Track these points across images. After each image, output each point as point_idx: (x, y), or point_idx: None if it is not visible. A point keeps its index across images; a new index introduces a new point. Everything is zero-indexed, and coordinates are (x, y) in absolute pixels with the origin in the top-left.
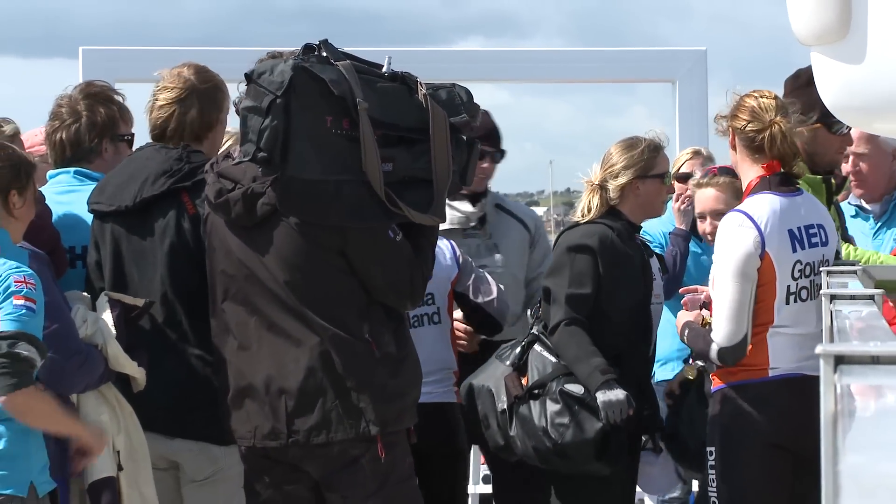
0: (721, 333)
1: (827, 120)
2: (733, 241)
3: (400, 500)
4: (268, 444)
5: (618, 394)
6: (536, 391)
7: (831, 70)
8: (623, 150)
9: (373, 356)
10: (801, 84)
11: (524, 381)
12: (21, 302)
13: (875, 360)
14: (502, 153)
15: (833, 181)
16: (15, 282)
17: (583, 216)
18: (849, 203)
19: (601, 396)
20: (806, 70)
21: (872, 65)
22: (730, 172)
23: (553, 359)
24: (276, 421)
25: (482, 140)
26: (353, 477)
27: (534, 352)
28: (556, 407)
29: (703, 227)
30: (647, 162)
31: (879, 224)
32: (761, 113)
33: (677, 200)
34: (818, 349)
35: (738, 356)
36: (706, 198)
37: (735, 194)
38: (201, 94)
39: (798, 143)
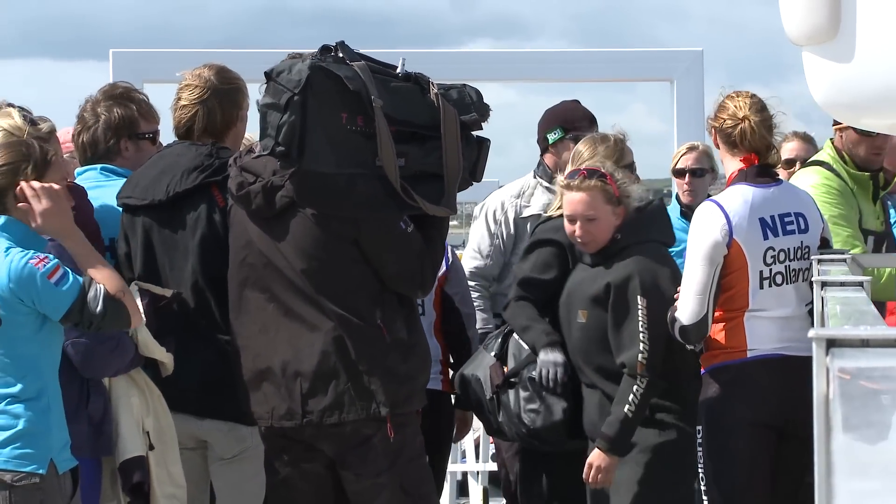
0: (685, 312)
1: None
2: (703, 229)
3: (410, 478)
4: (284, 424)
5: (557, 356)
6: (512, 379)
7: (821, 69)
8: (591, 145)
9: (384, 341)
10: None
11: (505, 370)
12: (55, 278)
13: (865, 344)
14: None
15: (882, 177)
16: (35, 265)
17: (557, 209)
18: None
19: (542, 356)
20: None
21: (860, 63)
22: (600, 175)
23: (527, 347)
24: (292, 402)
25: (582, 129)
26: (365, 455)
27: (512, 340)
28: (526, 394)
29: (573, 228)
30: (617, 156)
31: None
32: (736, 111)
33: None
34: (811, 333)
35: (700, 334)
36: (575, 201)
37: (606, 198)
38: (221, 93)
39: (768, 136)
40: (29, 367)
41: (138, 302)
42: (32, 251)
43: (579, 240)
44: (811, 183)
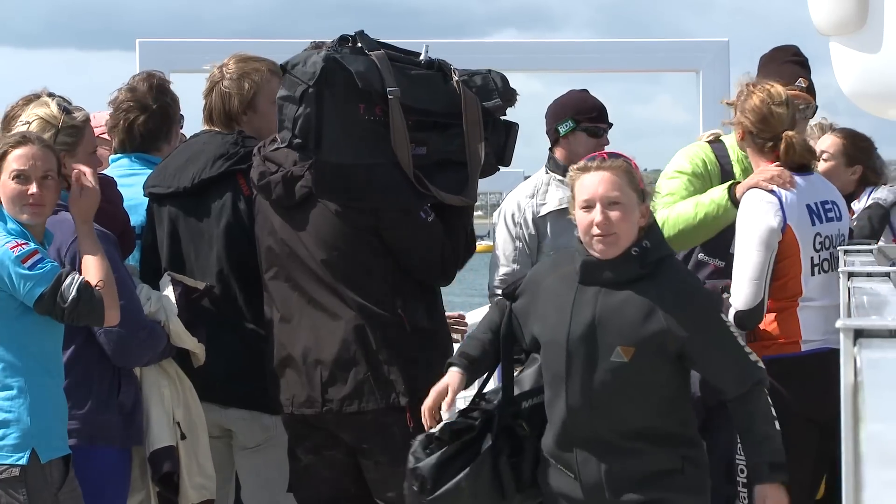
0: (740, 298)
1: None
2: (757, 214)
3: None
4: (304, 412)
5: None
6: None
7: (849, 59)
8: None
9: (404, 330)
10: (769, 60)
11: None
12: (29, 262)
13: (893, 334)
14: (610, 126)
15: None
16: (11, 248)
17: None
18: None
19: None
20: (788, 49)
21: (889, 54)
22: (624, 159)
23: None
24: (312, 390)
25: (593, 119)
26: (384, 444)
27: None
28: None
29: (590, 219)
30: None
31: None
32: (775, 122)
33: None
34: (838, 324)
35: (756, 320)
36: (596, 181)
37: (632, 185)
38: (232, 82)
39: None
40: (3, 354)
41: (169, 292)
42: (12, 237)
43: (598, 232)
44: (686, 150)
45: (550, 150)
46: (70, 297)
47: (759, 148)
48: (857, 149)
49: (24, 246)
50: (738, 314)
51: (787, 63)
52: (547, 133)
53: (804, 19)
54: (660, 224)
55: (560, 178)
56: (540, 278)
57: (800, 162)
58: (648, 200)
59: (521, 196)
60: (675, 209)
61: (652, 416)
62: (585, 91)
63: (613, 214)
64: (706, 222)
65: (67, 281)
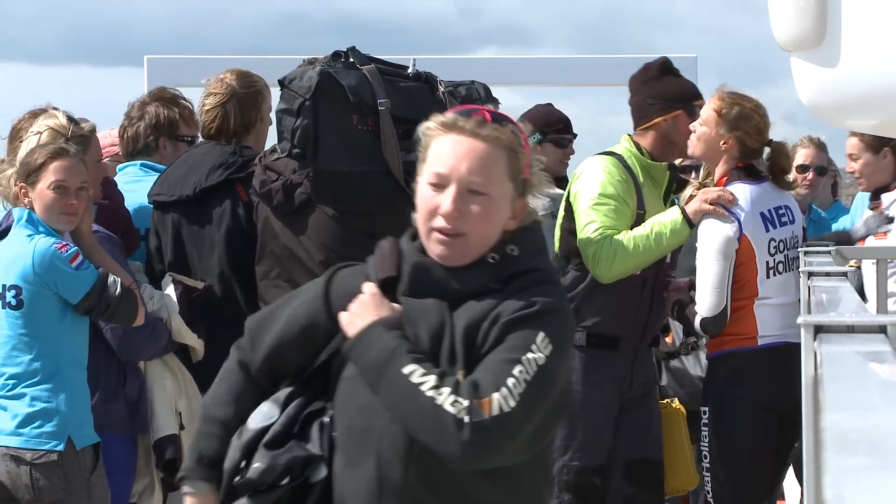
0: (705, 306)
1: (689, 107)
2: (714, 227)
3: None
4: None
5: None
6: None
7: (808, 73)
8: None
9: None
10: (653, 76)
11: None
12: (76, 262)
13: (850, 329)
14: (574, 136)
15: (678, 170)
16: (58, 249)
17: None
18: None
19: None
20: (656, 63)
21: (845, 68)
22: (512, 125)
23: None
24: None
25: (559, 131)
26: None
27: None
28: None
29: (436, 203)
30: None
31: None
32: (762, 128)
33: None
34: (799, 319)
35: (719, 325)
36: (464, 152)
37: (510, 171)
38: (240, 97)
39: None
40: (46, 349)
41: (171, 291)
42: (56, 237)
43: (443, 225)
44: (592, 169)
45: None
46: (115, 294)
47: (746, 155)
48: (872, 136)
49: (67, 248)
50: (703, 321)
51: (675, 76)
52: None
53: (766, 36)
54: (611, 253)
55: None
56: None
57: (783, 168)
58: (528, 196)
59: None
60: (629, 235)
61: None
62: (550, 105)
63: (473, 208)
64: (662, 245)
65: (111, 280)
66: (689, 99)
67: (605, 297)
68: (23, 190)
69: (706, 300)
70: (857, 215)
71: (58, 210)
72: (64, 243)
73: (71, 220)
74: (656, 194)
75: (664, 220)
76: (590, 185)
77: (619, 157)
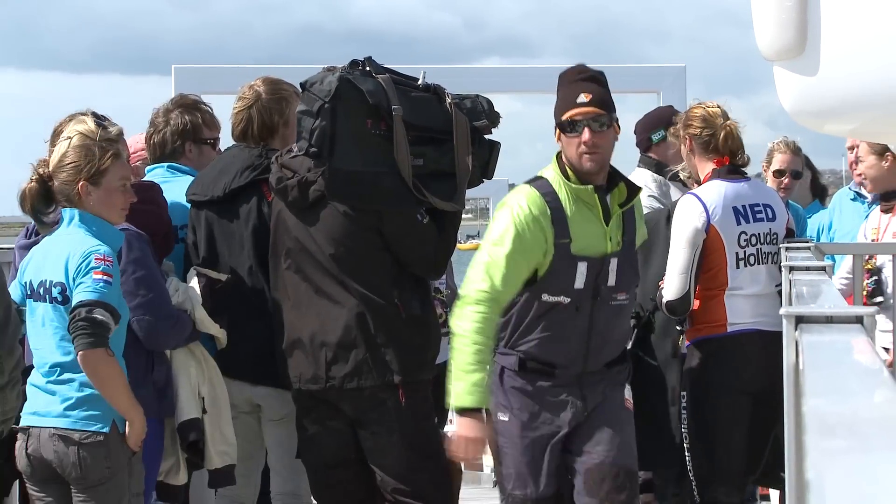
0: (671, 289)
1: (560, 123)
2: (684, 217)
3: (419, 437)
4: (310, 387)
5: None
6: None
7: (790, 81)
8: None
9: (400, 317)
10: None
11: None
12: (100, 276)
13: (829, 320)
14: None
15: (617, 190)
16: (96, 259)
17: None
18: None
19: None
20: (579, 68)
21: (824, 77)
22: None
23: None
24: (318, 368)
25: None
26: (380, 417)
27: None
28: None
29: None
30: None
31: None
32: (711, 119)
33: None
34: (781, 311)
35: (685, 308)
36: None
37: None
38: (264, 102)
39: (741, 140)
40: None
41: (195, 284)
42: (106, 248)
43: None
44: (506, 207)
45: (644, 153)
46: (97, 318)
47: (705, 145)
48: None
49: (105, 262)
50: (668, 303)
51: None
52: (637, 143)
53: (750, 47)
54: (460, 318)
55: (678, 181)
56: None
57: (734, 149)
58: None
59: (650, 189)
60: (468, 339)
61: None
62: (671, 107)
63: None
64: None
65: (101, 317)
66: (557, 115)
67: (538, 325)
68: (85, 188)
69: (672, 284)
70: (836, 212)
71: (120, 206)
72: (108, 258)
73: (125, 214)
74: (592, 215)
75: (457, 387)
76: (495, 227)
77: (545, 183)
